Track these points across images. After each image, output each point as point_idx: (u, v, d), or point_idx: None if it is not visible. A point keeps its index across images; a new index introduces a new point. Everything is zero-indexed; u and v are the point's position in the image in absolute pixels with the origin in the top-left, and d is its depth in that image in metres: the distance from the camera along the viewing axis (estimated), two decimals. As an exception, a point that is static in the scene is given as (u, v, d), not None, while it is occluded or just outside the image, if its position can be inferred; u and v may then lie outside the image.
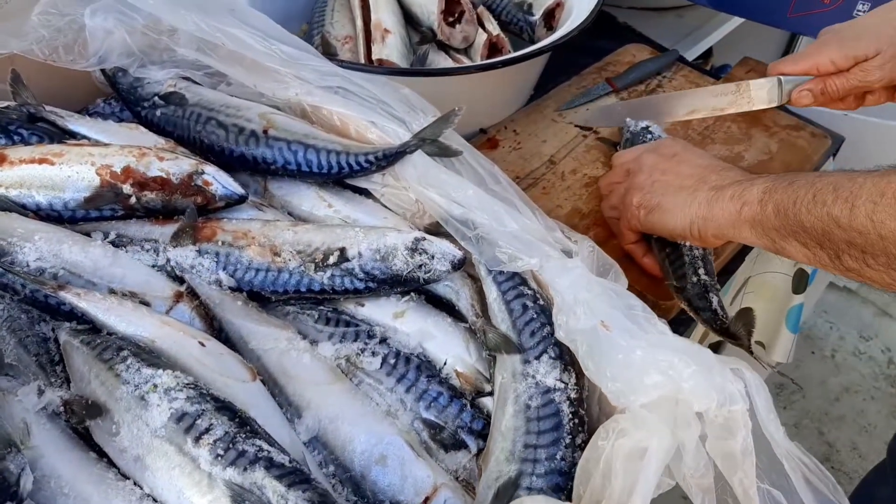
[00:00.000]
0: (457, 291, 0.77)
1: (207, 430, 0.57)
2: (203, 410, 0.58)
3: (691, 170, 0.79)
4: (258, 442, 0.57)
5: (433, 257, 0.73)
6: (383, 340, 0.74)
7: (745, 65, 1.27)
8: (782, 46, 1.91)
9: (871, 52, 0.85)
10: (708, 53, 2.08)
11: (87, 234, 0.78)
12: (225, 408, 0.60)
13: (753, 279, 1.27)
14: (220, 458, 0.55)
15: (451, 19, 1.04)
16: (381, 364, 0.72)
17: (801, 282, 1.28)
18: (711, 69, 2.24)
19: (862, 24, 0.88)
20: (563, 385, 0.64)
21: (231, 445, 0.56)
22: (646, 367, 0.52)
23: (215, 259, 0.77)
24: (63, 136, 0.89)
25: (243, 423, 0.59)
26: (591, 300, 0.57)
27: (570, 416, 0.63)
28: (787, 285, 1.29)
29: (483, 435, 0.68)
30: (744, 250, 1.03)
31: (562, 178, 1.02)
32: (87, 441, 0.62)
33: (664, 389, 0.51)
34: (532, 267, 0.66)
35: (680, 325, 0.91)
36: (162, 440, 0.57)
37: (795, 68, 0.92)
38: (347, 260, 0.75)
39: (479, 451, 0.68)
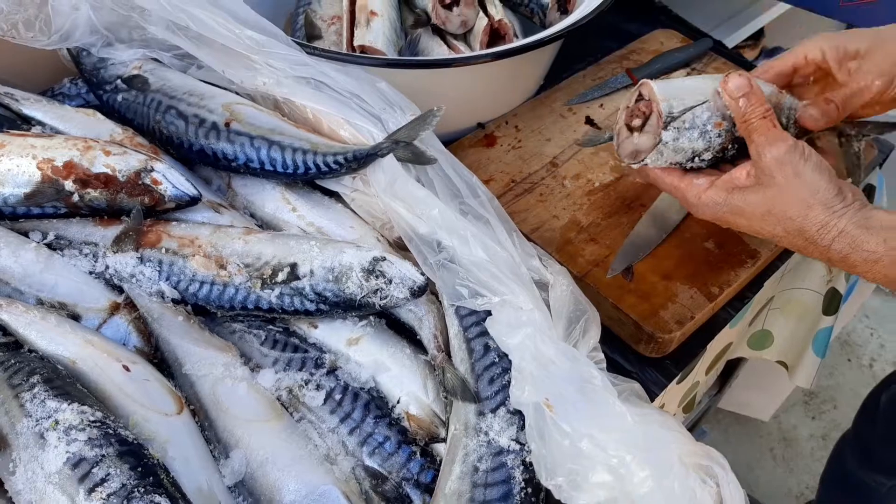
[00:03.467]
0: (420, 318, 0.69)
1: (103, 481, 0.51)
2: (102, 456, 0.52)
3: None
4: (157, 498, 0.51)
5: (391, 282, 0.65)
6: (332, 371, 0.67)
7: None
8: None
9: (864, 48, 0.74)
10: (759, 34, 1.92)
11: (26, 233, 0.72)
12: (130, 453, 0.53)
13: (781, 295, 1.15)
14: (111, 516, 0.49)
15: (447, 1, 0.94)
16: (325, 399, 0.64)
17: (832, 302, 1.16)
18: (762, 53, 2.07)
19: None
20: (518, 447, 0.56)
21: (125, 502, 0.50)
22: (593, 461, 0.44)
23: (158, 268, 0.70)
24: (17, 120, 0.82)
25: (147, 473, 0.52)
26: (535, 371, 0.49)
27: (523, 484, 0.54)
28: (817, 305, 1.17)
29: (431, 489, 0.60)
30: (773, 264, 0.91)
31: (562, 185, 0.92)
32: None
33: (612, 491, 0.42)
34: (493, 307, 0.57)
35: (680, 360, 0.82)
36: (55, 488, 0.51)
37: (783, 64, 0.78)
38: (298, 278, 0.67)
39: (425, 506, 0.60)
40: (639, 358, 0.80)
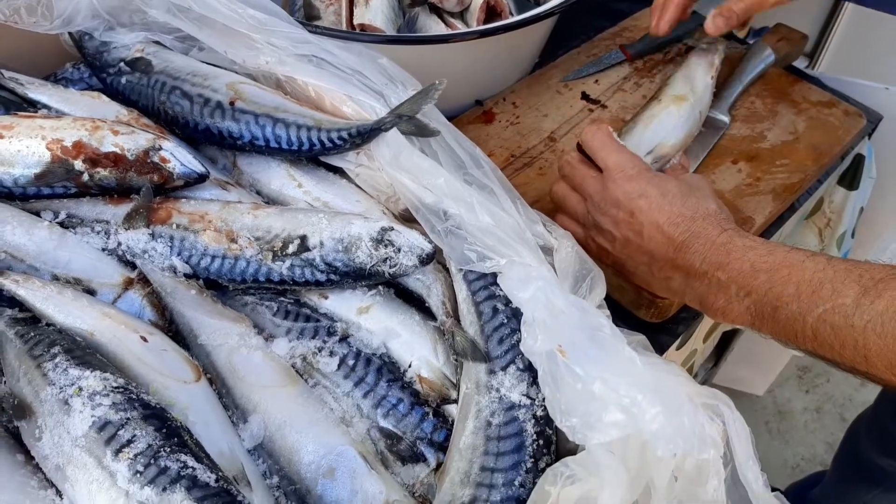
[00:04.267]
0: (428, 286, 0.70)
1: (129, 442, 0.52)
2: (128, 419, 0.54)
3: (642, 256, 0.71)
4: (183, 457, 0.52)
5: (399, 250, 0.67)
6: (344, 338, 0.68)
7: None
8: (825, 11, 1.76)
9: None
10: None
11: (37, 213, 0.74)
12: (154, 416, 0.55)
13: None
14: (139, 474, 0.51)
15: (444, -20, 0.95)
16: (339, 365, 0.66)
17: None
18: (750, 32, 2.10)
19: None
20: (528, 401, 0.58)
21: (153, 461, 0.51)
22: (605, 402, 0.46)
23: (169, 244, 0.71)
24: (22, 104, 0.83)
25: (171, 434, 0.54)
26: (548, 320, 0.51)
27: (535, 436, 0.56)
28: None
29: (444, 448, 0.62)
30: (767, 231, 0.95)
31: (561, 158, 0.94)
32: (18, 441, 0.58)
33: (625, 429, 0.44)
34: (501, 269, 0.59)
35: (680, 325, 0.84)
36: (82, 450, 0.53)
37: None
38: (308, 249, 0.69)
39: (439, 464, 0.62)
40: (640, 323, 0.82)
